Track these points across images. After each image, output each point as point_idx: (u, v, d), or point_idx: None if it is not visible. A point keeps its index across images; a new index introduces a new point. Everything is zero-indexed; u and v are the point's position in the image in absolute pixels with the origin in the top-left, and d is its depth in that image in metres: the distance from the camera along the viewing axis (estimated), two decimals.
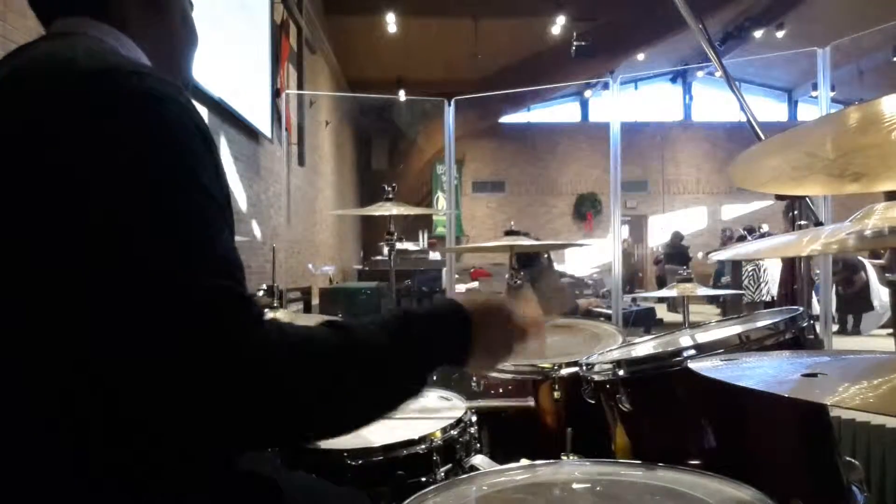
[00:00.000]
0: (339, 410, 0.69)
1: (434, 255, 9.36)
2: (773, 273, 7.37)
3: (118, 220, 0.62)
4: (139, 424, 0.65)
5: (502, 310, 0.87)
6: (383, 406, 0.75)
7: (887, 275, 6.70)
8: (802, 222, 1.46)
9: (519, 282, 2.45)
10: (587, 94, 17.47)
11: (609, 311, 5.48)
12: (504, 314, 0.87)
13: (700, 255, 10.86)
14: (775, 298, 7.26)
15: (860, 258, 7.59)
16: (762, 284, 7.51)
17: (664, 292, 3.81)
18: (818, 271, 4.95)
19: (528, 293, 0.95)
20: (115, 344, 0.62)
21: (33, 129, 0.64)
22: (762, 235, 8.52)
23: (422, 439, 1.27)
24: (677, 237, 12.01)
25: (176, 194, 0.65)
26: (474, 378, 1.72)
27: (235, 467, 0.78)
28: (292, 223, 8.12)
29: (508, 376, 1.68)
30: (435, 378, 1.86)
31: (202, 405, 0.62)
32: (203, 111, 5.26)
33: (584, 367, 1.35)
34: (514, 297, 0.91)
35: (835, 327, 6.99)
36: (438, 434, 1.29)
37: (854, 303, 7.54)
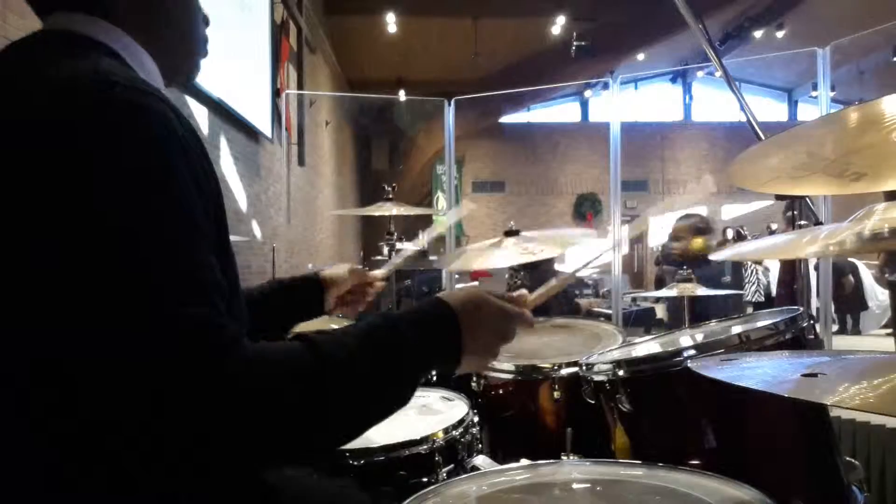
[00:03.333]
0: (319, 427, 0.67)
1: (434, 255, 9.34)
2: (771, 274, 7.37)
3: (85, 241, 0.61)
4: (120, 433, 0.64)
5: (490, 305, 0.85)
6: (369, 417, 0.73)
7: (887, 275, 6.70)
8: (802, 222, 1.46)
9: (519, 281, 2.46)
10: (587, 94, 17.46)
11: (609, 311, 5.48)
12: (492, 310, 0.85)
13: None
14: (771, 298, 7.26)
15: (850, 259, 7.59)
16: (748, 285, 7.52)
17: (664, 292, 3.81)
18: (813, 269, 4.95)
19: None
20: (89, 365, 0.61)
21: (7, 142, 0.63)
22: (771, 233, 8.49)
23: (424, 439, 1.27)
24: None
25: (148, 214, 0.63)
26: (474, 378, 1.72)
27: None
28: (292, 223, 8.12)
29: (509, 376, 1.68)
30: (435, 379, 1.87)
31: (173, 430, 0.61)
32: (203, 111, 5.27)
33: (584, 367, 1.35)
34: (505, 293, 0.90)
35: (835, 327, 6.99)
36: (440, 434, 1.29)
37: (849, 303, 7.54)
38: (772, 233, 8.47)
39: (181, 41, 0.86)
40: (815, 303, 4.33)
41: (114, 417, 0.62)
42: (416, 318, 0.78)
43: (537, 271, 4.33)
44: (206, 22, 0.91)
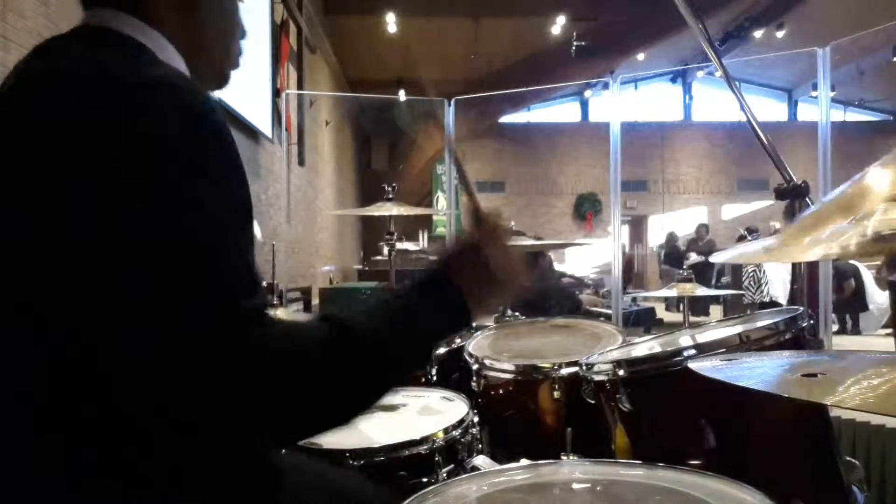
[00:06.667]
0: (341, 403, 0.72)
1: (434, 255, 9.34)
2: (771, 274, 7.37)
3: (138, 233, 0.63)
4: (139, 419, 0.66)
5: (472, 250, 0.85)
6: (383, 389, 0.77)
7: (886, 276, 6.66)
8: None
9: None
10: (587, 94, 17.46)
11: (609, 311, 5.48)
12: (475, 253, 0.85)
13: (691, 255, 10.71)
14: (774, 299, 7.25)
15: (852, 262, 7.58)
16: (763, 285, 7.50)
17: (664, 292, 3.81)
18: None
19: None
20: (126, 353, 0.64)
21: (65, 136, 0.64)
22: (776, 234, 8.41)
23: (424, 440, 1.27)
24: (672, 238, 11.99)
25: (200, 211, 0.66)
26: (474, 378, 1.72)
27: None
28: (292, 223, 8.12)
29: (509, 376, 1.69)
30: (435, 379, 1.87)
31: (205, 409, 0.65)
32: None
33: (584, 367, 1.35)
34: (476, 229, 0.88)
35: (835, 327, 6.98)
36: (440, 434, 1.29)
37: (849, 304, 7.54)
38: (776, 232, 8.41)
39: (216, 51, 0.89)
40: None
41: (147, 402, 0.65)
42: (409, 285, 0.83)
43: (536, 269, 4.33)
44: (243, 35, 0.92)
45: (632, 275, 12.35)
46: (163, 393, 0.65)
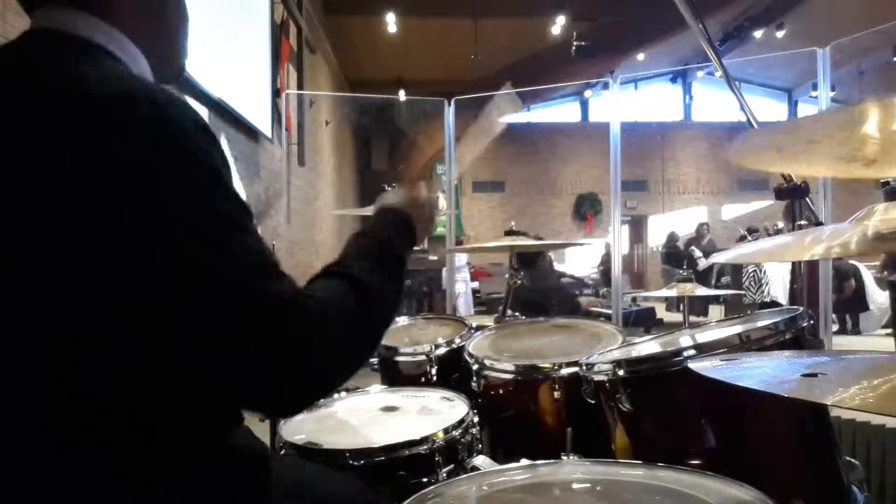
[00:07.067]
0: (363, 352, 0.80)
1: (434, 255, 9.37)
2: (771, 274, 7.37)
3: (154, 237, 0.64)
4: (152, 411, 0.68)
5: (416, 198, 1.08)
6: (385, 328, 0.86)
7: (886, 275, 6.68)
8: (802, 222, 1.46)
9: (518, 281, 2.46)
10: (587, 94, 17.46)
11: (609, 311, 5.48)
12: (418, 199, 1.08)
13: (700, 260, 10.62)
14: (774, 300, 7.26)
15: (853, 262, 7.58)
16: (763, 285, 7.50)
17: (664, 292, 3.81)
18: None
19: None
20: (160, 343, 0.65)
21: (44, 149, 0.63)
22: (778, 233, 8.43)
23: (424, 440, 1.27)
24: (673, 238, 11.96)
25: (205, 206, 0.67)
26: (474, 378, 1.72)
27: (225, 442, 0.79)
28: (292, 223, 8.11)
29: (509, 376, 1.68)
30: (435, 379, 1.87)
31: (251, 390, 0.68)
32: (203, 111, 5.26)
33: (584, 367, 1.35)
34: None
35: (835, 327, 6.98)
36: (441, 434, 1.29)
37: (849, 304, 7.54)
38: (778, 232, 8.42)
39: (172, 39, 0.86)
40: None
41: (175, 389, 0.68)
42: (395, 231, 0.98)
43: (537, 270, 4.33)
44: (187, 22, 0.92)
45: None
46: (189, 387, 0.68)
